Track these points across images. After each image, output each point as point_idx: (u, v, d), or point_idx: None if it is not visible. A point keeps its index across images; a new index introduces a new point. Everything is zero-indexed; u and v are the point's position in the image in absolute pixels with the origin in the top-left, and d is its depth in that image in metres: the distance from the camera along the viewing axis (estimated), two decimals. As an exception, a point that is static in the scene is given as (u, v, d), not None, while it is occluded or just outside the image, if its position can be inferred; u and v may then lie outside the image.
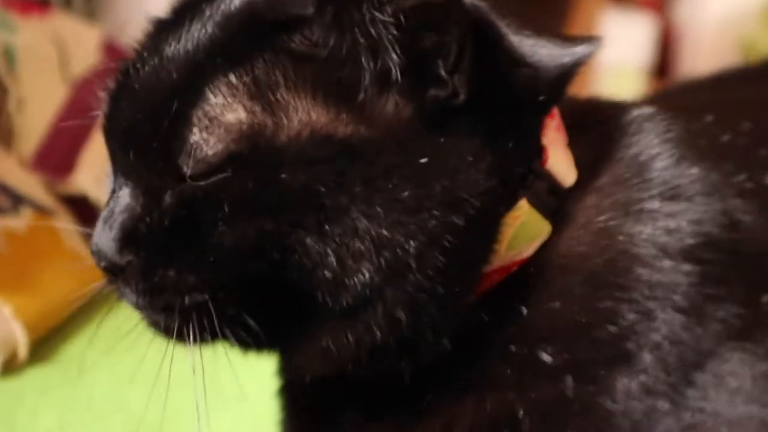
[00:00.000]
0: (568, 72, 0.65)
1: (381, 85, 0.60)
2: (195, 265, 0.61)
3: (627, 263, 0.63)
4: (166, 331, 0.65)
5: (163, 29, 0.65)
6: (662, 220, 0.64)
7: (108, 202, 0.65)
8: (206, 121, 0.59)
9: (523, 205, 0.63)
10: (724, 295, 0.62)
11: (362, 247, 0.59)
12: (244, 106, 0.59)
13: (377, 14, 0.57)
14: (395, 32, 0.58)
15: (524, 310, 0.63)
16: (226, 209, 0.59)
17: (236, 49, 0.61)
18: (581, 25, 2.25)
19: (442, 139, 0.60)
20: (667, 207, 0.64)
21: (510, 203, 0.63)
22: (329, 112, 0.60)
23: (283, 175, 0.59)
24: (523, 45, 0.64)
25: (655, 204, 0.64)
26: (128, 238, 0.62)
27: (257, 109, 0.60)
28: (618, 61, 2.19)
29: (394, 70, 0.59)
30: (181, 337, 0.64)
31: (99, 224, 0.64)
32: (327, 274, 0.59)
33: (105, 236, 0.63)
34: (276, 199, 0.59)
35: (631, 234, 0.64)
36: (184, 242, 0.61)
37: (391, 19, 0.57)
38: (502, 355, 0.63)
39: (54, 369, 0.99)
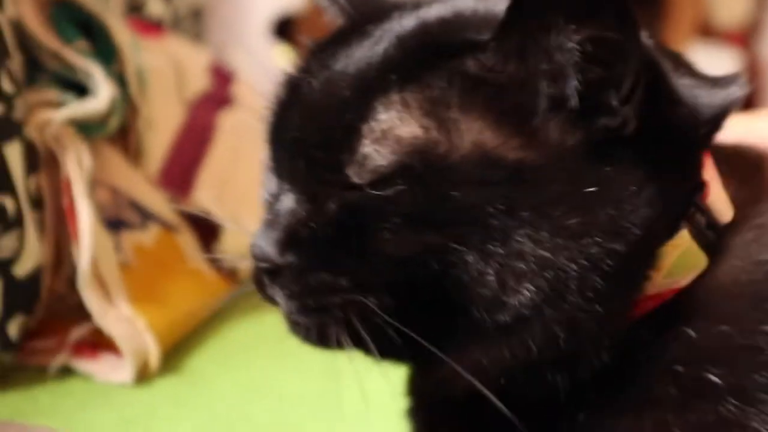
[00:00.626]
0: (723, 112, 0.66)
1: (554, 112, 0.62)
2: (352, 269, 0.63)
3: None
4: (310, 334, 0.67)
5: (329, 47, 0.68)
6: None
7: (269, 206, 0.68)
8: (378, 134, 0.62)
9: (685, 235, 0.65)
10: None
11: (525, 268, 0.60)
12: (419, 122, 0.62)
13: (565, 41, 0.59)
14: (578, 60, 0.60)
15: (692, 333, 0.63)
16: (395, 219, 0.62)
17: (410, 67, 0.63)
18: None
19: (608, 169, 0.62)
20: None
21: (670, 233, 0.64)
22: (500, 135, 0.62)
23: (454, 193, 0.61)
24: (682, 86, 0.65)
25: None
26: (291, 240, 0.64)
27: (431, 125, 0.62)
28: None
29: (572, 97, 0.61)
30: (324, 341, 0.66)
31: (261, 226, 0.66)
32: (486, 291, 0.61)
33: (267, 237, 0.65)
34: (444, 215, 0.61)
35: None
36: (344, 248, 0.64)
37: (576, 46, 0.59)
38: (667, 375, 0.63)
39: (181, 381, 1.02)
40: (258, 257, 0.66)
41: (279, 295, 0.67)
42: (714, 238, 0.66)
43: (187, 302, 1.09)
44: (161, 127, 1.23)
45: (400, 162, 0.62)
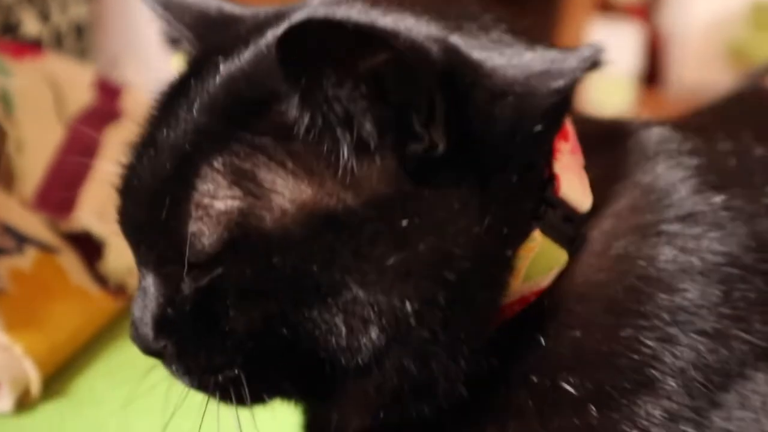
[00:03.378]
0: (564, 96, 0.63)
1: (361, 152, 0.60)
2: (220, 346, 0.63)
3: (647, 289, 0.62)
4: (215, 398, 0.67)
5: (160, 112, 0.66)
6: (683, 241, 0.63)
7: (138, 291, 0.67)
8: (200, 211, 0.61)
9: (537, 236, 0.63)
10: (749, 315, 0.62)
11: (365, 314, 0.60)
12: (229, 193, 0.60)
13: (340, 91, 0.57)
14: (363, 102, 0.57)
15: (543, 341, 0.63)
16: (230, 297, 0.61)
17: (218, 132, 0.61)
18: (569, 34, 2.27)
19: (427, 193, 0.60)
20: (689, 230, 0.63)
21: (520, 237, 0.63)
22: (312, 185, 0.60)
23: (275, 260, 0.60)
24: (507, 73, 0.62)
25: (675, 227, 0.64)
26: (160, 325, 0.65)
27: (240, 194, 0.60)
28: (606, 69, 2.21)
29: (371, 138, 0.59)
30: (227, 403, 0.67)
31: (136, 312, 0.66)
32: (339, 340, 0.61)
33: (142, 322, 0.66)
34: (273, 284, 0.60)
35: (650, 257, 0.63)
36: (205, 327, 0.63)
37: (355, 92, 0.56)
38: (524, 385, 0.63)
39: (66, 404, 1.00)
40: (137, 344, 0.67)
41: (173, 372, 0.68)
42: (572, 232, 0.64)
43: (71, 323, 1.07)
44: (37, 148, 1.21)
45: (221, 239, 0.60)
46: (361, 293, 0.59)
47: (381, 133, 0.58)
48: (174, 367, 0.67)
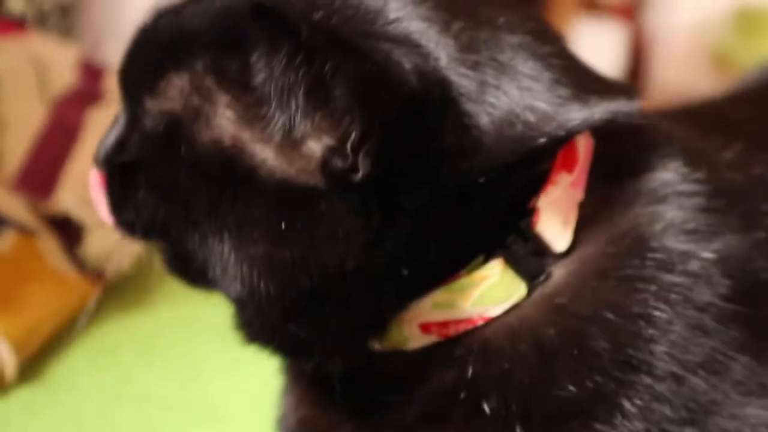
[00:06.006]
0: (577, 129, 0.62)
1: (290, 133, 0.59)
2: (132, 209, 0.67)
3: (592, 332, 0.62)
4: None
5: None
6: (657, 289, 0.62)
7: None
8: (158, 96, 0.64)
9: (495, 265, 0.62)
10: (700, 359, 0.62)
11: (230, 270, 0.62)
12: (182, 97, 0.63)
13: (292, 70, 0.57)
14: (309, 99, 0.57)
15: (471, 365, 0.63)
16: (145, 180, 0.65)
17: (205, 42, 0.63)
18: (554, 34, 2.27)
19: (333, 200, 0.59)
20: (665, 278, 0.62)
21: (456, 266, 0.63)
22: (249, 131, 0.61)
23: (184, 174, 0.63)
24: (483, 134, 0.60)
25: (650, 274, 0.62)
26: (113, 151, 0.68)
27: (191, 103, 0.63)
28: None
29: (297, 128, 0.59)
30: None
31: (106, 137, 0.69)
32: (212, 271, 0.64)
33: (106, 141, 0.69)
34: (174, 194, 0.64)
35: (610, 302, 0.62)
36: (127, 187, 0.67)
37: (306, 80, 0.57)
38: (452, 399, 0.63)
39: (42, 389, 1.00)
40: (97, 155, 0.69)
41: None
42: (538, 269, 0.63)
43: (48, 307, 1.06)
44: (19, 128, 1.19)
45: (158, 129, 0.64)
46: (230, 254, 0.62)
47: (311, 132, 0.59)
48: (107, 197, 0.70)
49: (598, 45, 2.45)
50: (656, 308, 0.61)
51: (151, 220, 0.66)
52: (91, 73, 1.42)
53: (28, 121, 1.22)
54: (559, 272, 0.63)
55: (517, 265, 0.63)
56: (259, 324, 0.65)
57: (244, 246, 0.61)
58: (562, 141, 0.62)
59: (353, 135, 0.57)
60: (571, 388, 0.61)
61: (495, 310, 0.63)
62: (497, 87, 0.60)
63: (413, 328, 0.64)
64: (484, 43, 0.62)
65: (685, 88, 2.53)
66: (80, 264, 1.15)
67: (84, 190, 1.20)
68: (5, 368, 0.97)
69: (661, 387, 0.61)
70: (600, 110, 0.62)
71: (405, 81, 0.57)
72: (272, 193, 0.60)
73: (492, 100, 0.60)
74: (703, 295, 0.62)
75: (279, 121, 0.59)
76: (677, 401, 0.61)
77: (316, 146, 0.59)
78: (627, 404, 0.61)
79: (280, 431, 0.75)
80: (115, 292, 1.19)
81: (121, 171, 0.67)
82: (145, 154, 0.65)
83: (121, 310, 1.16)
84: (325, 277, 0.60)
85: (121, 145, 0.67)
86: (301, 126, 0.58)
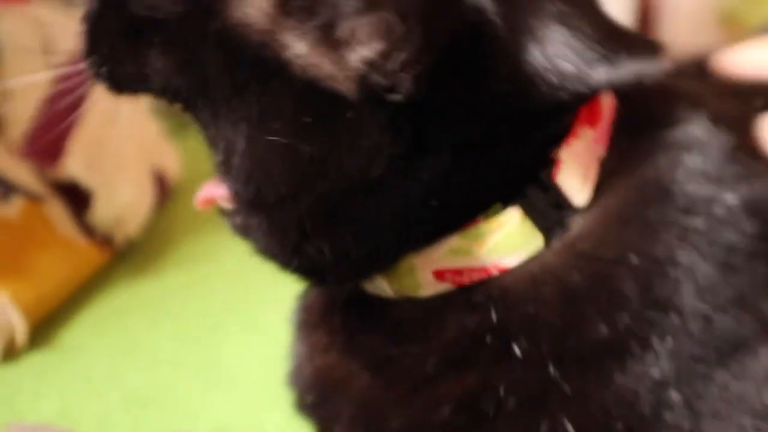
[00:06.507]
0: (597, 89, 0.62)
1: (327, 36, 0.57)
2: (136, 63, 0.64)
3: (622, 274, 0.61)
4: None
5: None
6: (678, 231, 0.62)
7: None
8: None
9: (514, 213, 0.62)
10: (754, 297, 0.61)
11: (240, 159, 0.60)
12: None
13: None
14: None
15: (494, 312, 0.62)
16: (162, 42, 0.62)
17: None
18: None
19: (351, 114, 0.57)
20: (689, 221, 0.62)
21: (478, 208, 0.63)
22: (285, 20, 0.58)
23: (205, 47, 0.60)
24: (547, 47, 0.60)
25: (673, 217, 0.62)
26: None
27: None
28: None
29: (338, 28, 0.56)
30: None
31: None
32: (216, 154, 0.63)
33: None
34: (190, 61, 0.62)
35: (618, 260, 0.62)
36: (135, 40, 0.64)
37: None
38: (477, 343, 0.63)
39: (52, 354, 1.00)
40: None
41: None
42: (557, 220, 0.63)
43: (58, 273, 1.07)
44: (25, 95, 1.19)
45: None
46: (244, 143, 0.60)
47: (355, 36, 0.56)
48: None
49: (606, 5, 2.43)
50: (681, 250, 0.61)
51: (162, 86, 0.64)
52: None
53: (34, 89, 1.21)
54: (579, 222, 0.63)
55: (534, 214, 0.63)
56: (268, 229, 0.63)
57: (262, 134, 0.59)
58: (586, 98, 0.62)
59: (404, 51, 0.54)
60: (603, 328, 0.61)
61: (510, 260, 0.63)
62: (533, 39, 0.60)
63: (426, 274, 0.64)
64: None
65: (693, 48, 2.50)
66: (89, 230, 1.15)
67: (91, 155, 1.21)
68: (16, 334, 0.98)
69: (691, 326, 0.60)
70: (625, 70, 0.62)
71: (469, 7, 0.56)
72: (301, 88, 0.58)
73: (529, 50, 0.60)
74: (729, 236, 0.62)
75: (321, 13, 0.56)
76: (707, 341, 0.61)
77: (356, 54, 0.56)
78: (657, 343, 0.60)
79: (294, 383, 0.75)
80: (124, 258, 1.19)
81: (125, 19, 0.64)
82: (167, 14, 0.62)
83: (131, 275, 1.17)
84: (343, 184, 0.59)
85: None
86: (345, 26, 0.56)
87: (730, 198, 0.63)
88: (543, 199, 0.63)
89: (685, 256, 0.61)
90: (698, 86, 0.74)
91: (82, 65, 0.72)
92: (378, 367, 0.68)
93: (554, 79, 0.60)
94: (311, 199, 0.60)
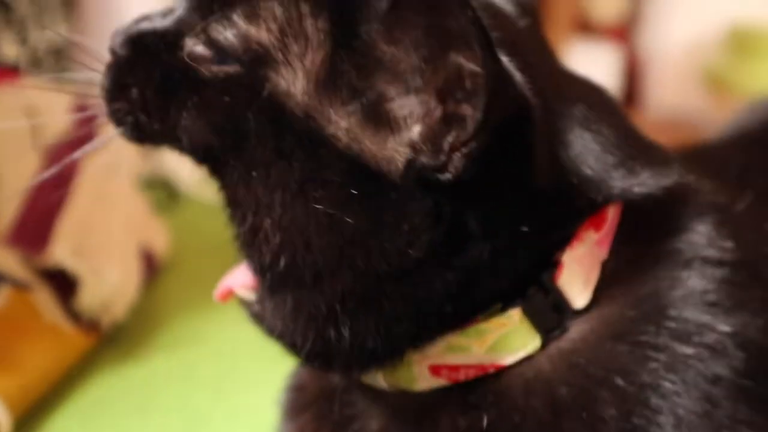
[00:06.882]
0: (620, 200, 0.64)
1: (375, 116, 0.59)
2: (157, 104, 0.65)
3: (601, 397, 0.62)
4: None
5: None
6: (669, 358, 0.62)
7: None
8: (242, 18, 0.61)
9: (514, 314, 0.63)
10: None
11: (274, 222, 0.61)
12: (268, 29, 0.60)
13: (413, 59, 0.56)
14: (422, 83, 0.57)
15: (485, 417, 0.63)
16: (202, 94, 0.63)
17: None
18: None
19: (394, 195, 0.59)
20: (680, 349, 0.62)
21: (483, 307, 0.63)
22: (328, 102, 0.60)
23: (252, 113, 0.61)
24: (583, 153, 0.62)
25: (664, 342, 0.62)
26: (134, 42, 0.66)
27: (278, 44, 0.60)
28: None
29: (400, 116, 0.58)
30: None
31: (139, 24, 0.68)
32: (240, 223, 0.64)
33: (133, 25, 0.67)
34: (230, 122, 0.62)
35: (604, 381, 0.62)
36: (165, 81, 0.65)
37: (425, 68, 0.56)
38: None
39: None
40: (115, 37, 0.68)
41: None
42: (555, 323, 0.64)
43: (43, 362, 1.07)
44: (11, 180, 1.20)
45: (236, 52, 0.61)
46: (281, 207, 0.61)
47: (409, 111, 0.58)
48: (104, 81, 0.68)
49: (593, 67, 2.45)
50: (666, 379, 0.61)
51: (192, 144, 0.64)
52: (87, 117, 1.41)
53: (21, 172, 1.22)
54: (576, 329, 0.64)
55: (534, 316, 0.63)
56: (293, 308, 0.63)
57: (303, 202, 0.60)
58: (599, 206, 0.64)
59: (462, 130, 0.56)
60: None
61: (508, 360, 0.63)
62: (562, 142, 0.62)
63: (422, 369, 0.65)
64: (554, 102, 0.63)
65: (681, 109, 2.53)
66: (75, 316, 1.15)
67: (78, 239, 1.21)
68: (1, 427, 0.97)
69: None
70: (639, 184, 0.64)
71: (519, 94, 0.58)
72: (347, 161, 0.59)
73: (559, 149, 0.62)
74: (716, 367, 0.62)
75: (368, 92, 0.58)
76: None
77: (402, 136, 0.58)
78: None
79: None
80: (110, 342, 1.19)
81: (161, 71, 0.65)
82: (214, 73, 0.62)
83: (117, 360, 1.16)
84: (382, 264, 0.60)
85: (165, 37, 0.65)
86: (395, 105, 0.58)
87: (723, 327, 0.63)
88: (543, 300, 0.63)
89: (669, 385, 0.61)
90: (708, 178, 0.73)
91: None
92: None
93: (575, 182, 0.62)
94: (349, 278, 0.60)
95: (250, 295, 0.69)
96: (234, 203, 0.64)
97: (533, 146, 0.60)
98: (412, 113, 0.58)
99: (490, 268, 0.62)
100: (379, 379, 0.67)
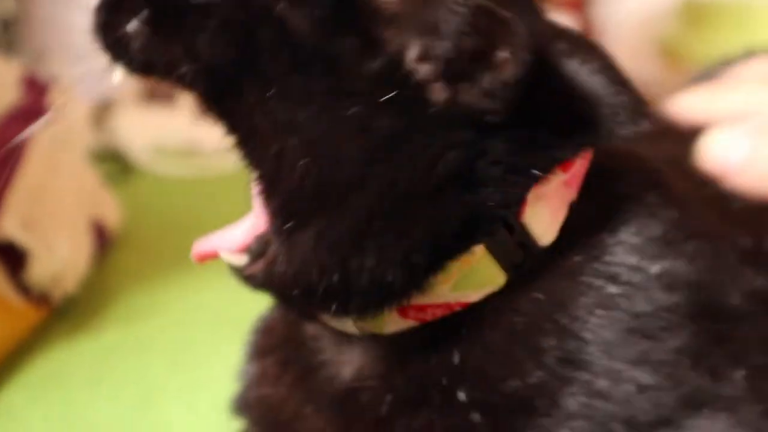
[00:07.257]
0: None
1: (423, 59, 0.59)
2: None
3: (547, 328, 0.63)
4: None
5: None
6: (606, 299, 0.64)
7: None
8: None
9: (478, 251, 0.63)
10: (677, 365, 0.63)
11: (296, 144, 0.60)
12: None
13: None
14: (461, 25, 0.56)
15: (456, 356, 0.64)
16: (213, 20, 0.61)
17: None
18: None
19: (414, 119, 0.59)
20: (614, 289, 0.64)
21: (465, 244, 0.63)
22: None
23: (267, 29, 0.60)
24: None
25: (600, 284, 0.64)
26: None
27: None
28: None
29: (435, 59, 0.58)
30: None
31: None
32: (258, 148, 0.63)
33: None
34: (245, 35, 0.60)
35: (563, 304, 0.64)
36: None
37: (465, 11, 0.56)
38: (433, 384, 0.64)
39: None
40: None
41: None
42: (520, 259, 0.64)
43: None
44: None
45: None
46: (308, 118, 0.60)
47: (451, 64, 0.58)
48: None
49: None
50: (594, 314, 0.63)
51: (203, 66, 0.62)
52: (36, 88, 1.39)
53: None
54: (537, 266, 0.64)
55: (498, 252, 0.63)
56: (317, 237, 0.62)
57: (332, 110, 0.59)
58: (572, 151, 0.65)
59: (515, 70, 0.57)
60: (516, 382, 0.63)
61: (472, 297, 0.64)
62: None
63: (391, 311, 0.65)
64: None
65: (635, 78, 2.53)
66: (25, 289, 1.13)
67: (28, 212, 1.19)
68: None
69: (599, 384, 0.62)
70: (607, 131, 0.65)
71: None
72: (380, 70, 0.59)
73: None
74: (640, 304, 0.63)
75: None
76: (618, 398, 0.62)
77: (471, 85, 0.58)
78: (568, 400, 0.62)
79: (240, 410, 0.76)
80: (61, 316, 1.18)
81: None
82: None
83: (68, 334, 1.15)
84: (411, 176, 0.60)
85: None
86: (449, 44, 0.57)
87: (653, 268, 0.64)
88: (508, 238, 0.63)
89: (596, 320, 0.63)
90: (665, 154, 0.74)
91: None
92: (332, 406, 0.68)
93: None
94: (374, 195, 0.60)
95: (238, 260, 0.69)
96: (251, 135, 0.63)
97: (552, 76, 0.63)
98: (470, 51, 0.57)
99: (467, 204, 0.62)
100: (348, 325, 0.67)
